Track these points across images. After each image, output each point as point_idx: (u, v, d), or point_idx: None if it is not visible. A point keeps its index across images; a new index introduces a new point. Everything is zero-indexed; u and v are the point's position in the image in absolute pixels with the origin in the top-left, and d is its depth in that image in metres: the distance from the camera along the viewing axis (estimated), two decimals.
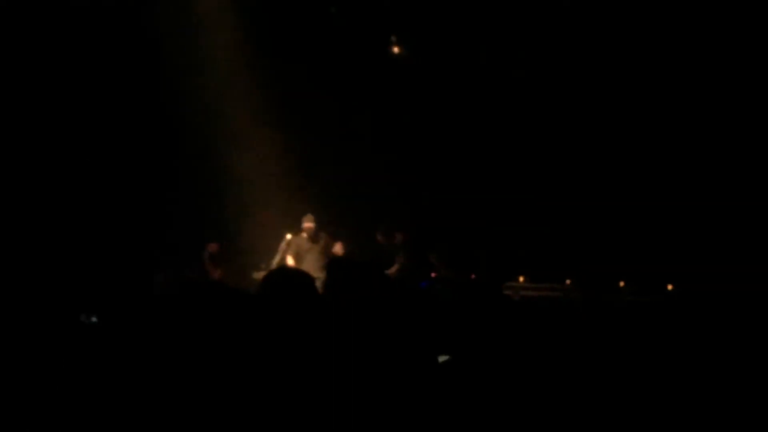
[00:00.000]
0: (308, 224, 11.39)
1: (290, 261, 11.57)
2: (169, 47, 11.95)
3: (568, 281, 11.06)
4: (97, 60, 11.65)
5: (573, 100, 12.40)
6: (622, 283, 10.92)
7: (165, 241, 11.72)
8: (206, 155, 12.69)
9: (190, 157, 12.66)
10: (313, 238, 11.40)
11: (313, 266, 10.47)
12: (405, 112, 12.82)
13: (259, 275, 11.50)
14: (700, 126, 12.10)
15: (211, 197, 12.74)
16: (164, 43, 11.89)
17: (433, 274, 11.18)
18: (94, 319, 4.72)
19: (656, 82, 12.09)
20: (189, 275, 10.39)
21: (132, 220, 11.93)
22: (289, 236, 11.55)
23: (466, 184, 12.71)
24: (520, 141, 12.70)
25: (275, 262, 11.36)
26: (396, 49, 12.64)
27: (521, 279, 11.08)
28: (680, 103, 12.05)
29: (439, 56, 12.63)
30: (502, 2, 12.09)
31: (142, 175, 12.22)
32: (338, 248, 11.39)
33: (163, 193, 12.42)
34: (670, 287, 10.66)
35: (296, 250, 11.52)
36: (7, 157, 10.94)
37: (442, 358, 3.71)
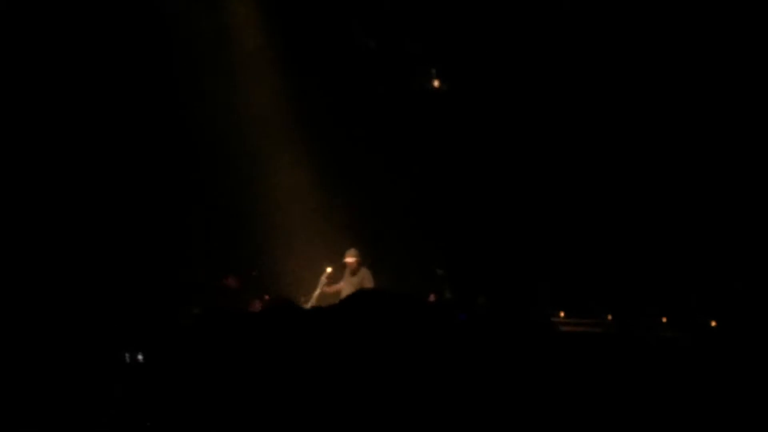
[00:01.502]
0: (350, 259, 11.39)
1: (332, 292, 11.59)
2: (198, 62, 11.96)
3: (609, 316, 10.93)
4: (122, 85, 11.62)
5: (615, 132, 12.31)
6: (664, 319, 10.77)
7: (196, 273, 11.70)
8: (239, 181, 12.69)
9: (223, 184, 12.66)
10: (354, 272, 11.41)
11: None
12: (447, 143, 12.80)
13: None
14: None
15: (244, 226, 12.72)
16: (193, 57, 11.91)
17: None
18: (140, 357, 4.72)
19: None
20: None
21: (161, 249, 11.90)
22: (329, 269, 11.57)
23: (510, 219, 12.67)
24: (561, 174, 12.63)
25: (315, 295, 11.39)
26: (437, 83, 12.69)
27: (562, 314, 10.97)
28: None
29: (470, 81, 12.63)
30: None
31: (173, 202, 12.20)
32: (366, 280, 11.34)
33: (194, 222, 12.38)
34: (713, 323, 10.49)
35: (336, 284, 11.56)
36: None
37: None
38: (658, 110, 12.10)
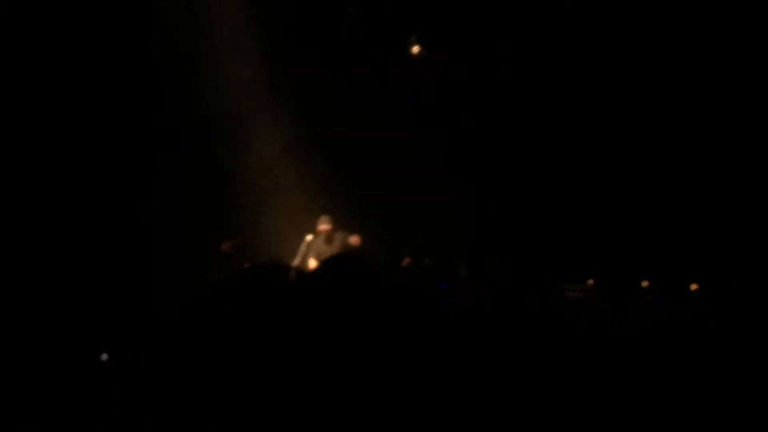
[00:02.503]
0: (324, 226, 11.37)
1: (312, 263, 11.56)
2: (177, 34, 11.84)
3: (590, 281, 10.96)
4: (98, 47, 11.53)
5: (591, 98, 12.30)
6: (645, 283, 10.81)
7: (176, 243, 11.64)
8: (218, 151, 12.56)
9: (200, 153, 12.50)
10: (329, 239, 11.38)
11: None
12: (425, 108, 12.73)
13: None
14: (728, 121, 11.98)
15: (224, 195, 12.65)
16: (171, 29, 11.78)
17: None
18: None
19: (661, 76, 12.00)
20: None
21: (139, 224, 11.82)
22: (309, 237, 11.52)
23: (486, 184, 12.64)
24: (542, 139, 12.62)
25: (295, 264, 11.33)
26: (415, 49, 12.61)
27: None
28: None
29: (456, 54, 12.57)
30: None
31: (149, 172, 12.09)
32: (355, 240, 11.31)
33: (175, 192, 12.29)
34: (694, 287, 10.54)
35: (316, 252, 11.51)
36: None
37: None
38: (643, 87, 12.13)
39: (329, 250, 11.27)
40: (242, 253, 11.82)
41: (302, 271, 11.16)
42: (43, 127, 11.21)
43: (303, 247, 11.43)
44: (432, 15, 12.44)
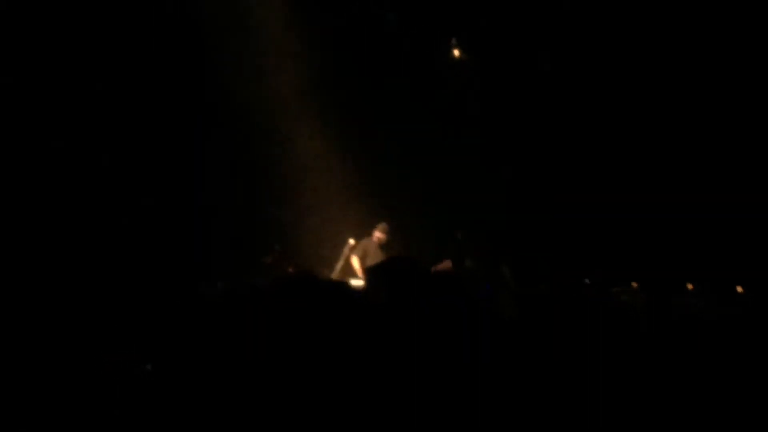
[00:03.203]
0: (381, 234, 11.32)
1: (356, 264, 11.56)
2: (220, 35, 11.89)
3: (634, 284, 10.88)
4: (138, 44, 11.61)
5: (639, 103, 12.23)
6: (690, 286, 10.71)
7: (217, 246, 11.68)
8: (260, 151, 12.62)
9: (243, 153, 12.58)
10: (384, 247, 11.34)
11: None
12: (469, 114, 12.73)
13: None
14: None
15: (266, 198, 12.70)
16: (215, 30, 11.83)
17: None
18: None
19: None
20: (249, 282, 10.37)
21: (180, 223, 11.91)
22: (352, 241, 11.55)
23: (532, 190, 12.63)
24: (586, 142, 12.57)
25: (339, 268, 11.38)
26: (456, 53, 12.62)
27: (586, 281, 10.93)
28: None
29: (498, 58, 12.56)
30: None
31: (191, 171, 12.16)
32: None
33: (215, 193, 12.35)
34: (740, 290, 10.43)
35: (362, 256, 11.49)
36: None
37: None
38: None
39: (381, 256, 11.34)
40: (285, 263, 11.91)
41: (346, 276, 11.30)
42: (88, 122, 11.34)
43: (346, 250, 11.48)
44: (471, 19, 12.44)
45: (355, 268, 11.41)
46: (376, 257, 11.22)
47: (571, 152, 12.59)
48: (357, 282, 11.15)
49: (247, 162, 12.54)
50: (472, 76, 12.73)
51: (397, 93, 12.52)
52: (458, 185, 12.74)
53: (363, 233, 11.57)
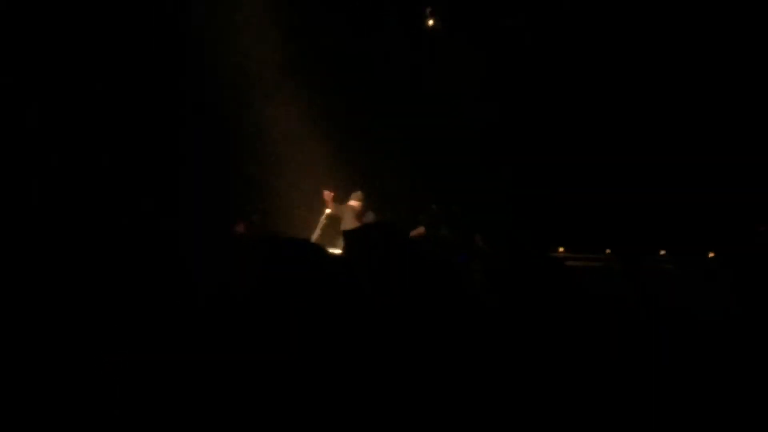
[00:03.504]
0: (355, 203, 11.40)
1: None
2: (199, 6, 11.84)
3: (608, 251, 11.00)
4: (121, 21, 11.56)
5: (605, 74, 12.28)
6: (662, 252, 10.85)
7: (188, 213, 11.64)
8: (235, 114, 12.57)
9: (216, 117, 12.48)
10: (359, 216, 11.39)
11: None
12: (446, 81, 12.72)
13: None
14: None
15: (240, 168, 12.68)
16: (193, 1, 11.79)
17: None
18: None
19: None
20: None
21: (154, 191, 11.88)
22: (328, 211, 11.59)
23: (504, 157, 12.66)
24: (558, 110, 12.61)
25: (314, 238, 11.41)
26: (431, 22, 12.60)
27: (561, 249, 11.04)
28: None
29: (474, 28, 12.56)
30: None
31: (159, 136, 12.09)
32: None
33: (187, 159, 12.31)
34: (711, 255, 10.58)
35: (335, 224, 11.56)
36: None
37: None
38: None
39: (345, 221, 11.39)
40: (256, 232, 11.88)
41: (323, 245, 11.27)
42: (69, 113, 11.32)
43: (323, 219, 11.51)
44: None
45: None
46: (352, 225, 11.24)
47: (549, 124, 12.63)
48: (334, 250, 11.20)
49: (217, 132, 12.48)
50: (450, 44, 12.70)
51: (377, 60, 12.48)
52: (434, 155, 12.76)
53: (340, 202, 11.59)
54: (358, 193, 11.47)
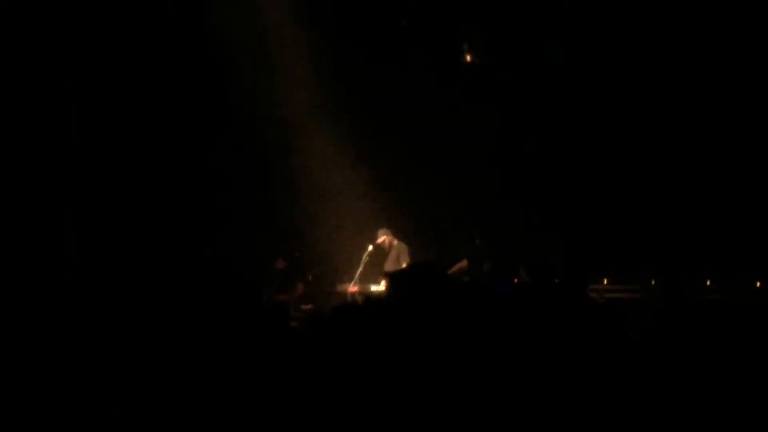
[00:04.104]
0: (382, 238, 11.66)
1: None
2: (231, 37, 11.92)
3: (653, 281, 10.92)
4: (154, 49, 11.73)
5: (655, 97, 12.21)
6: (708, 282, 10.74)
7: (232, 258, 11.75)
8: (273, 160, 12.69)
9: (254, 161, 12.63)
10: (388, 249, 11.65)
11: None
12: (482, 117, 12.72)
13: (343, 288, 11.65)
14: None
15: (280, 206, 12.79)
16: (227, 31, 11.85)
17: (515, 280, 11.17)
18: None
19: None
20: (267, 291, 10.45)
21: (198, 233, 12.01)
22: (370, 247, 11.70)
23: (545, 188, 12.63)
24: (600, 141, 12.56)
25: (359, 274, 11.51)
26: (468, 57, 12.67)
27: (605, 281, 10.99)
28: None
29: (512, 59, 12.59)
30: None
31: (202, 180, 12.28)
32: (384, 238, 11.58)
33: (229, 203, 12.42)
34: (758, 284, 10.45)
35: (377, 261, 11.74)
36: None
37: None
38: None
39: (389, 260, 11.57)
40: (296, 269, 11.98)
41: (364, 282, 11.38)
42: (101, 130, 11.50)
43: (365, 257, 11.61)
44: (484, 21, 12.48)
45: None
46: (387, 262, 11.54)
47: (587, 153, 12.57)
48: (376, 288, 11.27)
49: (262, 170, 12.62)
50: (488, 80, 12.73)
51: (411, 93, 12.55)
52: (476, 187, 12.78)
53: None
54: (382, 230, 11.72)
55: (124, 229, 11.39)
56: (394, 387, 3.36)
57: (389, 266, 11.37)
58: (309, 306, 11.33)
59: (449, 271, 10.90)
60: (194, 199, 12.14)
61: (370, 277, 11.58)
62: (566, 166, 12.65)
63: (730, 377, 4.34)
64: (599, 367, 3.81)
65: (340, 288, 11.77)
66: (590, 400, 3.71)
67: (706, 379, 4.22)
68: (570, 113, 12.53)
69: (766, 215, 11.41)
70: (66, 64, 11.17)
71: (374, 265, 11.67)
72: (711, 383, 4.20)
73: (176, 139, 12.02)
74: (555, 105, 12.54)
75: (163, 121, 11.91)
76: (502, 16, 12.41)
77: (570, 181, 12.57)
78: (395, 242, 11.81)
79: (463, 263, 11.48)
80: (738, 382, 4.25)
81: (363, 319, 3.69)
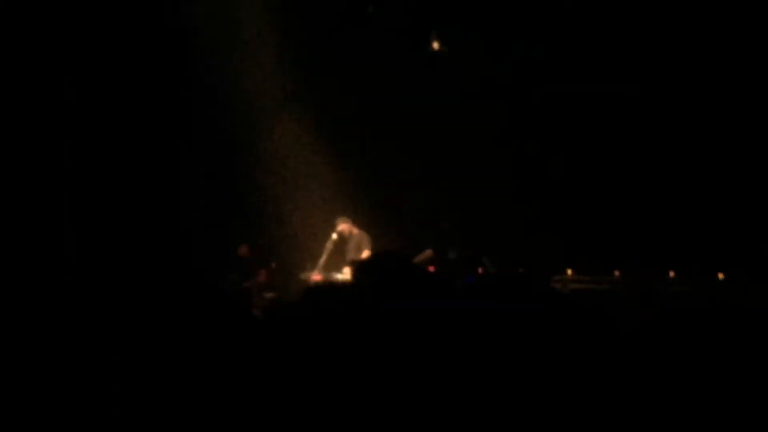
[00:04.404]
0: (342, 226, 11.60)
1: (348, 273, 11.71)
2: (196, 32, 11.77)
3: (617, 273, 10.96)
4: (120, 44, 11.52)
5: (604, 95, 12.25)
6: (672, 273, 10.80)
7: (196, 246, 11.63)
8: (235, 148, 12.55)
9: (216, 150, 12.49)
10: (348, 237, 11.62)
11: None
12: (446, 106, 12.68)
13: (306, 276, 11.59)
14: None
15: (243, 193, 12.67)
16: (192, 27, 11.70)
17: (480, 270, 11.18)
18: None
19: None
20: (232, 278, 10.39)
21: (157, 223, 11.83)
22: (335, 236, 11.65)
23: (509, 178, 12.62)
24: (563, 132, 12.57)
25: (322, 262, 11.46)
26: (436, 45, 12.62)
27: (569, 272, 11.00)
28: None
29: (477, 52, 12.54)
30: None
31: (167, 168, 12.09)
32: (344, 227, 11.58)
33: (191, 192, 12.28)
34: (720, 276, 10.52)
35: (339, 250, 11.70)
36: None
37: None
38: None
39: (350, 247, 11.53)
40: (260, 257, 11.91)
41: (329, 270, 11.36)
42: (68, 128, 11.32)
43: (328, 245, 11.56)
44: (453, 12, 12.43)
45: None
46: (348, 251, 11.46)
47: (553, 143, 12.58)
48: (341, 276, 11.22)
49: (227, 157, 12.49)
50: (453, 68, 12.68)
51: (377, 85, 12.48)
52: (441, 177, 12.74)
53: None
54: (341, 218, 11.66)
55: (83, 222, 11.22)
56: (359, 377, 3.30)
57: (351, 255, 11.33)
58: (272, 294, 11.28)
59: (415, 260, 10.84)
60: (157, 188, 11.97)
61: (333, 265, 11.53)
62: (530, 157, 12.65)
63: (691, 367, 4.33)
64: (560, 357, 3.79)
65: (303, 276, 11.71)
66: (550, 390, 3.69)
67: (667, 369, 4.21)
68: (530, 105, 12.53)
69: (730, 208, 11.50)
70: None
71: (337, 253, 11.62)
72: (672, 373, 4.19)
73: (140, 131, 11.83)
74: (515, 97, 12.54)
75: (126, 113, 11.72)
76: (471, 8, 12.34)
77: (535, 171, 12.58)
78: (355, 231, 11.75)
79: (429, 252, 11.45)
80: (700, 373, 4.24)
81: (326, 307, 3.62)
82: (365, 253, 11.20)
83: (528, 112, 12.55)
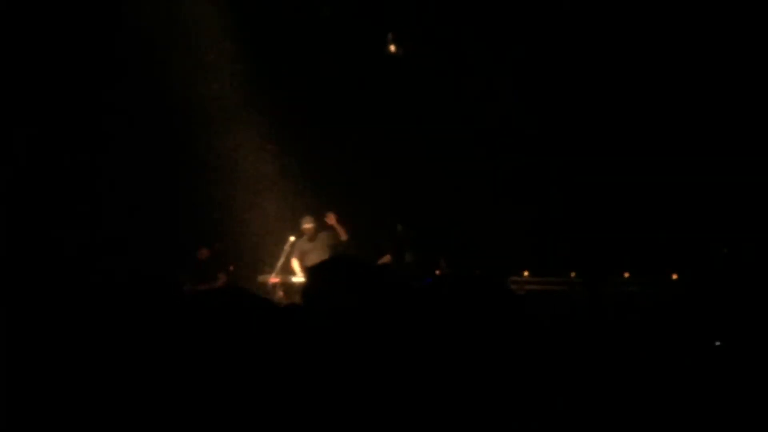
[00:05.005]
0: (307, 225, 11.60)
1: (295, 264, 11.71)
2: (154, 30, 11.62)
3: (572, 274, 11.06)
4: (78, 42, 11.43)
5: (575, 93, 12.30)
6: (626, 274, 10.91)
7: (153, 246, 11.52)
8: (192, 148, 12.41)
9: (174, 150, 12.35)
10: (313, 238, 11.59)
11: None
12: (404, 106, 12.70)
13: (264, 279, 11.56)
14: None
15: (203, 195, 12.58)
16: (149, 24, 11.53)
17: (437, 272, 11.21)
18: None
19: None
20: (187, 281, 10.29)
21: (114, 224, 11.74)
22: (292, 238, 11.64)
23: (465, 180, 12.66)
24: (519, 132, 12.62)
25: (280, 265, 11.44)
26: (393, 48, 12.63)
27: (526, 273, 11.09)
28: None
29: (435, 54, 12.57)
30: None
31: (123, 170, 11.97)
32: (331, 219, 11.62)
33: (150, 192, 12.17)
34: (675, 276, 10.65)
35: (300, 251, 11.66)
36: None
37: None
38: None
39: (315, 248, 11.47)
40: (218, 260, 11.83)
41: (286, 273, 11.34)
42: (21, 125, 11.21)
43: (287, 247, 11.55)
44: (410, 13, 12.45)
45: (294, 269, 11.58)
46: (312, 251, 11.42)
47: (512, 143, 12.62)
48: (297, 279, 11.21)
49: (181, 159, 12.38)
50: (411, 69, 12.68)
51: (333, 86, 12.47)
52: (399, 179, 12.74)
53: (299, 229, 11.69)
54: (307, 217, 11.64)
55: (29, 222, 11.09)
56: (313, 381, 3.30)
57: (314, 257, 11.27)
58: None
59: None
60: (111, 188, 11.86)
61: (292, 269, 11.54)
62: (486, 158, 12.69)
63: (647, 365, 4.39)
64: (512, 356, 3.81)
65: (261, 279, 11.67)
66: (502, 389, 3.71)
67: (620, 368, 4.27)
68: (486, 105, 12.57)
69: (685, 208, 11.60)
70: None
71: (302, 252, 11.59)
72: (625, 372, 4.25)
73: (90, 128, 11.71)
74: (470, 98, 12.57)
75: (76, 107, 11.60)
76: (428, 8, 12.37)
77: (492, 173, 12.62)
78: (321, 233, 11.74)
79: (387, 258, 11.49)
80: (654, 369, 4.30)
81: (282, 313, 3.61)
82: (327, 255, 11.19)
83: (482, 113, 12.59)
